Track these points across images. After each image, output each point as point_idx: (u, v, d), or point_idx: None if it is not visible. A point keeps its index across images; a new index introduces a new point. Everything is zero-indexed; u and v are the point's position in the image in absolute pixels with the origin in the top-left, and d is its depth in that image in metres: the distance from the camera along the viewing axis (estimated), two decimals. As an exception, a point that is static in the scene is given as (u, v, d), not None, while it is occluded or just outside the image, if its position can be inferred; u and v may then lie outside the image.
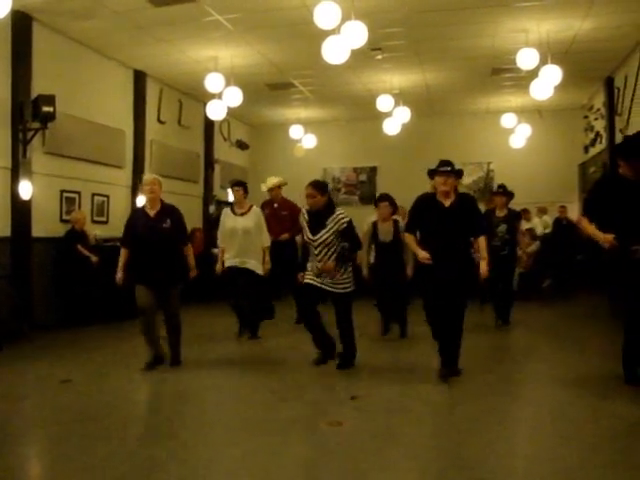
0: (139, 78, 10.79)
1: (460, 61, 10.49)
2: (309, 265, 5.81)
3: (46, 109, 8.04)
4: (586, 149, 13.41)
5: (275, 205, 8.59)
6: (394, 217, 7.40)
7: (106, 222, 9.83)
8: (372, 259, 7.51)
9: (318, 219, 5.65)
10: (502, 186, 8.62)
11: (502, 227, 8.13)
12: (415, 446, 3.85)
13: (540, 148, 13.56)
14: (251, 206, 7.41)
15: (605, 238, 4.86)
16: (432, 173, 5.33)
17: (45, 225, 8.54)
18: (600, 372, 5.70)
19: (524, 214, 13.26)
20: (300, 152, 14.12)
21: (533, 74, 9.19)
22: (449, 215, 5.22)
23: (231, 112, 11.64)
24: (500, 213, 8.22)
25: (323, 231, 5.61)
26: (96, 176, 9.63)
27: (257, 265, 7.19)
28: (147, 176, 6.23)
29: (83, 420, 4.36)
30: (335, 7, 6.61)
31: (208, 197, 13.20)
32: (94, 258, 8.57)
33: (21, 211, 8.06)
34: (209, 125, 13.21)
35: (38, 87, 8.19)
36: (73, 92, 9.07)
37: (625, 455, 3.54)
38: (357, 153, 15.00)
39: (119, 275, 5.87)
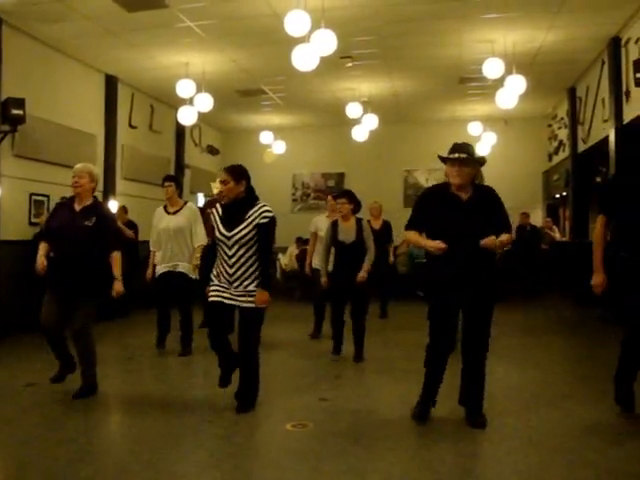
0: (110, 83, 10.75)
1: (428, 70, 10.69)
2: (215, 272, 4.65)
3: (15, 112, 7.96)
4: (550, 157, 13.78)
5: None
6: (357, 215, 6.64)
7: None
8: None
9: (235, 213, 4.58)
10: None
11: None
12: (379, 448, 3.85)
13: (506, 156, 13.84)
14: (185, 203, 6.96)
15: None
16: (443, 160, 4.23)
17: (13, 228, 8.46)
18: (559, 373, 5.91)
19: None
20: (270, 158, 14.20)
21: (499, 83, 9.40)
22: (467, 212, 4.13)
23: (202, 118, 11.67)
24: None
25: (241, 226, 4.50)
26: (66, 180, 9.38)
27: (190, 268, 6.68)
28: (77, 166, 5.18)
29: (47, 423, 4.32)
30: (305, 15, 6.70)
31: (179, 202, 13.19)
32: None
33: (-11, 214, 7.99)
34: (180, 130, 13.22)
35: (7, 90, 8.12)
36: (44, 95, 9.03)
37: (581, 454, 3.62)
38: (326, 159, 15.15)
39: (39, 262, 4.91)
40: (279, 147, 14.06)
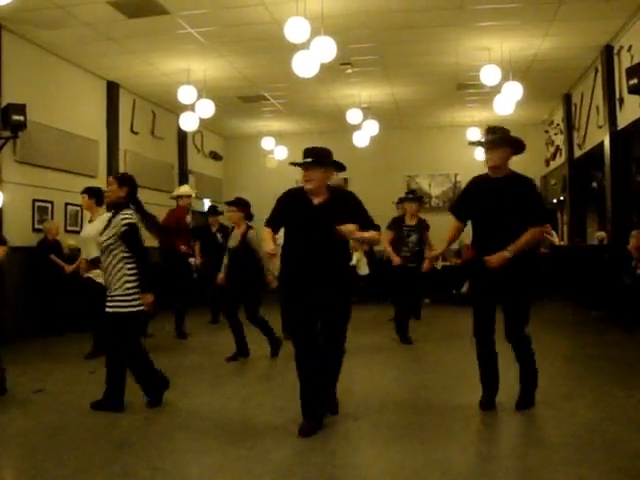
0: (112, 89, 10.89)
1: (426, 76, 10.83)
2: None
3: (16, 118, 7.96)
4: (547, 162, 13.90)
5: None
6: (249, 224, 6.75)
7: (80, 232, 9.87)
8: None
9: (111, 218, 4.73)
10: (413, 191, 8.42)
11: (413, 237, 7.52)
12: (387, 449, 3.87)
13: (504, 161, 13.96)
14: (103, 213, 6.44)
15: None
16: (298, 166, 4.24)
17: (17, 234, 8.48)
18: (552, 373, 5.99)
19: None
20: (272, 163, 14.32)
21: (496, 90, 9.54)
22: (317, 215, 4.17)
23: (204, 124, 11.82)
24: (410, 221, 7.60)
25: (106, 231, 4.64)
26: (69, 185, 9.60)
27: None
28: None
29: (56, 429, 4.28)
30: (305, 22, 6.81)
31: (182, 207, 13.30)
32: (68, 268, 8.54)
33: (-9, 220, 7.99)
34: (182, 136, 13.35)
35: (8, 96, 8.18)
36: (45, 101, 9.11)
37: (585, 453, 3.64)
38: (328, 165, 15.23)
39: None
40: (281, 153, 14.18)
